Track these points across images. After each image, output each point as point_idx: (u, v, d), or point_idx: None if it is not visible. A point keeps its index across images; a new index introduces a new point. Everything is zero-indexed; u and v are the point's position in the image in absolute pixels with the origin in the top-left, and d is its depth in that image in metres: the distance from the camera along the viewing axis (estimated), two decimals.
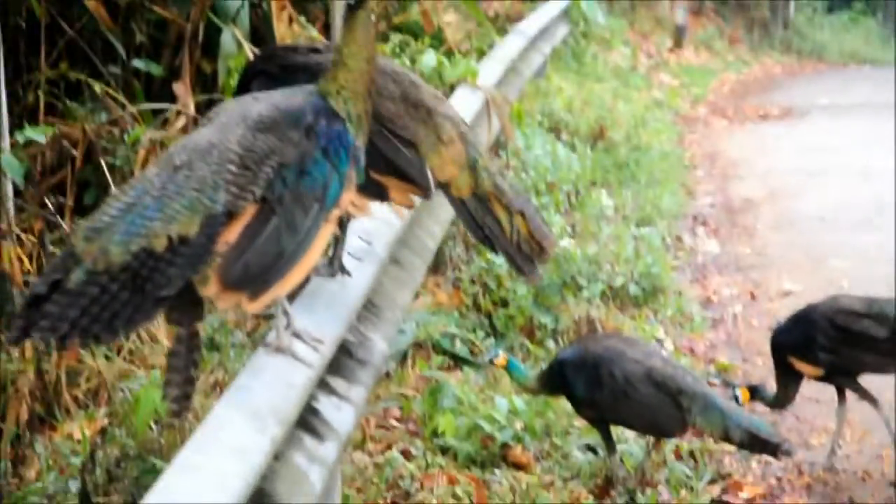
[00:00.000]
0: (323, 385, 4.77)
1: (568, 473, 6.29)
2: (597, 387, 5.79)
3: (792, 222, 10.98)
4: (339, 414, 4.72)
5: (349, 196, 4.25)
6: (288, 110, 4.09)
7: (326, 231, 4.16)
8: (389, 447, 6.36)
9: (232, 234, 3.86)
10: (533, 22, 14.78)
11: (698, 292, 9.26)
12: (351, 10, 4.22)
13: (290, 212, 3.97)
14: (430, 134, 4.85)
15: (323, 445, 4.47)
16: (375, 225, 5.83)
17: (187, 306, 3.89)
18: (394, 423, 6.64)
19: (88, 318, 3.60)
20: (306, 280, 5.02)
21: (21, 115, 8.22)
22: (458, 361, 7.36)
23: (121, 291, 3.64)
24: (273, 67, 4.90)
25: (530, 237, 4.88)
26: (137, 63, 9.11)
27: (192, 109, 8.64)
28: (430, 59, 10.16)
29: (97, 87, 8.44)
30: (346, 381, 4.97)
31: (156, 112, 8.64)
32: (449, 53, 11.25)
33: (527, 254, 4.92)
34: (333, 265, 5.20)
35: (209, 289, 3.84)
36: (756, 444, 5.70)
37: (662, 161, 13.06)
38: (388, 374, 6.94)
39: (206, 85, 9.33)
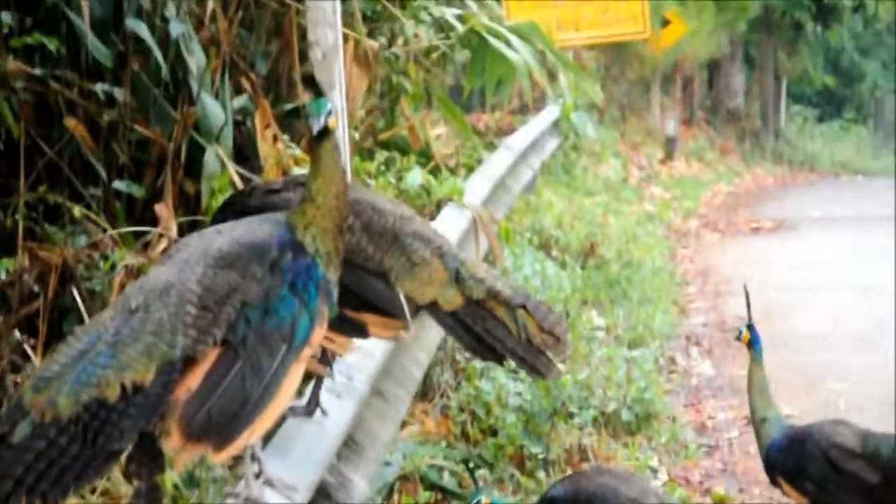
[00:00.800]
0: None
1: None
2: None
3: (787, 342, 10.74)
4: None
5: (321, 332, 4.00)
6: (251, 244, 3.87)
7: (297, 371, 3.90)
8: None
9: (193, 381, 3.63)
10: (522, 136, 14.73)
11: (692, 417, 9.00)
12: (317, 141, 4.00)
13: (255, 354, 3.73)
14: (399, 259, 4.63)
15: None
16: (356, 357, 5.62)
17: (146, 458, 3.67)
18: None
19: (34, 475, 3.38)
20: (281, 421, 4.80)
21: None
22: (445, 495, 7.08)
23: (70, 445, 3.43)
24: (230, 216, 4.70)
25: (540, 329, 4.63)
26: (118, 184, 8.93)
27: (174, 231, 8.43)
28: (415, 176, 10.01)
29: (76, 210, 8.26)
30: None
31: (137, 235, 8.45)
32: (436, 169, 11.12)
33: (539, 349, 4.66)
34: (310, 404, 4.98)
35: (171, 441, 3.61)
36: None
37: (654, 278, 12.90)
38: None
39: (189, 206, 9.15)
